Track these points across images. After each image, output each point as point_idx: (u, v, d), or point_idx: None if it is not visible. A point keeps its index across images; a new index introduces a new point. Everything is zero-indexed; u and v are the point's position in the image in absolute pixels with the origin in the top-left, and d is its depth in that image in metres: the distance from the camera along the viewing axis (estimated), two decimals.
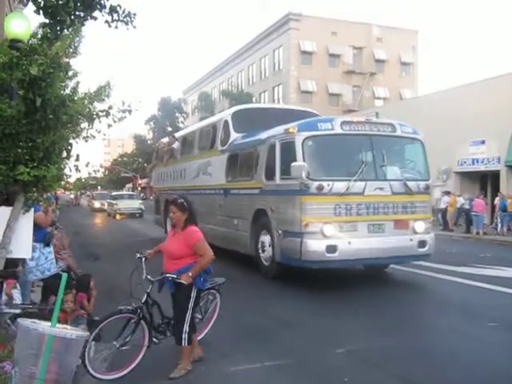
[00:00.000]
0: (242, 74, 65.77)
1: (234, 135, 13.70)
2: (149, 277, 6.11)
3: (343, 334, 7.75)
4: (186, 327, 5.91)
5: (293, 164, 10.27)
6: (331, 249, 10.24)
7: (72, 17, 9.01)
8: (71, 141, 12.43)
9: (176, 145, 17.78)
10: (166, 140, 19.94)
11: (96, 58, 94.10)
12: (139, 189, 71.41)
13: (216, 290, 6.98)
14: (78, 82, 14.68)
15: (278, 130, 11.51)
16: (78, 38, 11.86)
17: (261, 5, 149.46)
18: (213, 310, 7.07)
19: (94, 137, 15.61)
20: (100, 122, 12.72)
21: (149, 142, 69.35)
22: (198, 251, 6.12)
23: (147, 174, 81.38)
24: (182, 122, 67.56)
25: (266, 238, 11.76)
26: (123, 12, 9.48)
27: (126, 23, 9.21)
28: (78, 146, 20.18)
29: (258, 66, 62.62)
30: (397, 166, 11.38)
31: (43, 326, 4.59)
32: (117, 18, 9.33)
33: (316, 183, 10.27)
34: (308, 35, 56.00)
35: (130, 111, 14.48)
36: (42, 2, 8.24)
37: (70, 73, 12.10)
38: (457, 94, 29.70)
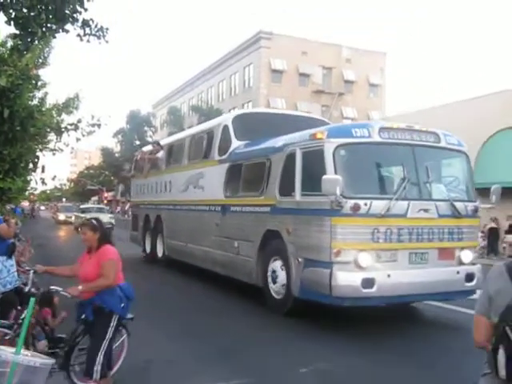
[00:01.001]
0: (212, 89, 63.96)
1: (236, 143, 11.28)
2: (33, 290, 5.71)
3: None
4: (101, 358, 5.03)
5: (325, 177, 7.93)
6: (368, 283, 7.90)
7: (43, 29, 8.73)
8: (38, 153, 12.61)
9: (160, 154, 15.26)
10: (148, 148, 17.41)
11: (66, 69, 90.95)
12: (105, 202, 68.24)
13: (122, 326, 5.70)
14: (46, 93, 13.97)
15: (300, 135, 9.16)
16: (47, 49, 11.59)
17: (232, 22, 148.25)
18: (120, 348, 5.96)
19: (61, 150, 13.94)
20: (69, 135, 13.28)
21: (116, 155, 66.43)
22: (103, 270, 5.17)
23: (114, 187, 78.71)
24: (151, 136, 65.15)
25: (278, 266, 9.36)
26: (96, 26, 9.40)
27: (99, 37, 9.26)
28: (44, 158, 18.22)
29: (228, 83, 60.84)
30: (441, 183, 9.14)
31: (6, 352, 4.36)
32: (89, 32, 9.32)
33: (351, 202, 7.94)
34: (279, 54, 54.33)
35: (99, 125, 13.16)
36: (14, 13, 8.12)
37: (39, 83, 11.99)
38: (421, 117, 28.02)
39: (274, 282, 9.44)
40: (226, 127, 11.59)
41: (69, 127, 19.68)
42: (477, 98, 27.00)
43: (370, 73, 57.77)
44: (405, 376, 6.47)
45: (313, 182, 8.82)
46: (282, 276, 9.27)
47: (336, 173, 8.09)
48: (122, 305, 5.23)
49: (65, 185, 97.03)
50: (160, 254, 15.15)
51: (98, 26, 9.39)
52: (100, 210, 36.85)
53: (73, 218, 40.05)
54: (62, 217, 47.27)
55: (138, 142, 62.58)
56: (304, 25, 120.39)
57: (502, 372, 2.66)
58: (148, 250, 16.18)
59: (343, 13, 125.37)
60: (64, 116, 21.95)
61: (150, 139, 64.34)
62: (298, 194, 8.82)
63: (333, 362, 6.85)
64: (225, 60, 60.65)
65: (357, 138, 8.39)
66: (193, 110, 59.35)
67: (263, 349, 7.46)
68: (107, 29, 9.50)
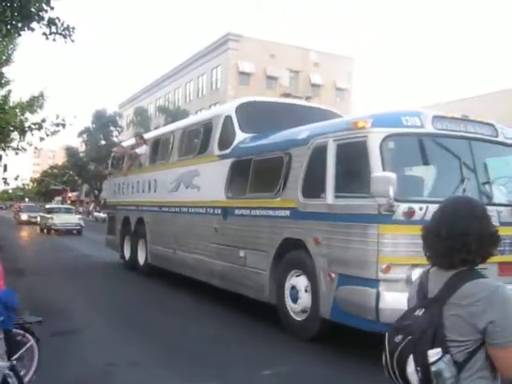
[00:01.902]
0: (180, 90, 62.28)
1: (241, 136, 9.36)
2: None
3: None
4: None
5: (376, 175, 6.12)
6: None
7: (8, 26, 8.68)
8: (0, 152, 12.39)
9: (143, 149, 13.19)
10: (128, 143, 15.32)
11: (31, 67, 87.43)
12: (69, 202, 65.25)
13: (25, 330, 4.87)
14: (9, 91, 13.55)
15: (333, 124, 7.35)
16: (12, 46, 12.28)
17: (200, 23, 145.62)
18: (29, 358, 4.96)
19: (25, 149, 13.42)
20: (32, 134, 12.95)
21: (81, 154, 63.62)
22: None
23: (78, 188, 75.52)
24: (117, 136, 62.84)
25: (300, 282, 7.52)
26: (62, 25, 9.07)
27: (65, 36, 9.16)
28: (6, 157, 16.80)
29: (195, 84, 59.33)
30: (499, 183, 7.45)
31: None
32: (55, 31, 9.08)
33: (405, 206, 6.15)
34: (246, 56, 53.03)
35: (63, 125, 12.81)
36: None
37: (2, 81, 12.34)
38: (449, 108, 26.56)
39: (294, 300, 7.59)
40: (228, 118, 9.66)
41: (33, 126, 17.93)
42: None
43: (338, 77, 56.76)
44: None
45: (351, 180, 7.06)
46: (305, 294, 7.44)
47: (384, 169, 6.32)
48: (1, 318, 4.32)
49: (28, 184, 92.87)
50: (141, 261, 13.09)
51: (65, 25, 9.17)
52: (68, 211, 34.03)
53: (38, 218, 37.24)
54: (24, 217, 44.51)
55: (103, 142, 60.51)
56: (272, 28, 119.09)
57: None
58: (127, 256, 14.07)
59: (312, 17, 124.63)
60: (28, 115, 20.23)
61: (115, 139, 62.25)
62: (330, 196, 6.98)
63: (296, 365, 6.54)
64: (192, 61, 58.96)
65: (408, 127, 6.61)
66: (160, 111, 57.54)
67: (227, 351, 7.05)
68: (73, 28, 9.27)
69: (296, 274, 7.65)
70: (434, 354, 1.99)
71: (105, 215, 58.04)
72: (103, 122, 60.60)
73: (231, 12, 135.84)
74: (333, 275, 6.87)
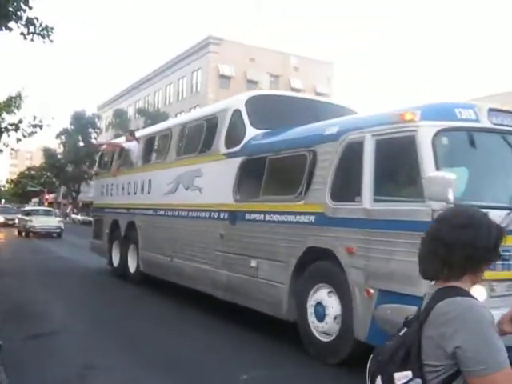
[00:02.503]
0: (159, 93, 61.03)
1: (252, 132, 8.22)
2: None
3: None
4: None
5: (430, 176, 5.08)
6: None
7: None
8: None
9: (134, 146, 11.96)
10: (118, 140, 14.07)
11: (9, 67, 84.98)
12: (46, 204, 63.26)
13: None
14: None
15: (372, 117, 6.27)
16: None
17: (181, 26, 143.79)
18: None
19: (1, 151, 13.02)
20: (9, 135, 12.95)
21: (59, 156, 61.80)
22: None
23: (55, 189, 73.34)
24: (95, 138, 61.34)
25: (327, 298, 6.43)
26: (40, 25, 9.29)
27: (43, 37, 9.38)
28: None
29: (175, 87, 58.15)
30: None
31: None
32: (33, 31, 9.40)
33: None
34: (227, 60, 52.07)
35: (41, 126, 12.76)
36: None
37: None
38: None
39: (320, 318, 6.48)
40: (236, 112, 8.52)
41: (9, 127, 17.05)
42: None
43: (317, 82, 55.84)
44: None
45: (394, 181, 6.03)
46: (333, 311, 6.34)
47: (437, 168, 5.29)
48: None
49: (4, 186, 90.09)
50: (132, 268, 11.85)
51: (43, 25, 9.05)
52: (47, 213, 32.23)
53: (16, 220, 35.45)
54: (0, 219, 42.58)
55: (81, 144, 59.02)
56: (253, 32, 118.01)
57: None
58: (116, 263, 12.81)
59: (293, 22, 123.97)
60: (4, 115, 19.26)
61: (94, 141, 60.84)
62: (367, 199, 5.91)
63: (273, 369, 6.30)
64: (173, 64, 57.75)
65: (462, 121, 5.58)
66: (139, 113, 55.98)
67: (206, 356, 6.73)
68: (52, 28, 9.09)
69: (322, 288, 6.56)
70: (401, 376, 1.80)
71: (83, 217, 57.16)
72: (82, 124, 59.18)
73: (212, 15, 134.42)
74: (371, 291, 5.79)
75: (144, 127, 54.41)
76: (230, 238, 8.26)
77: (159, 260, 10.44)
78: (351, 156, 6.23)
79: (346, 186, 6.35)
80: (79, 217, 57.99)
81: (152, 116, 51.86)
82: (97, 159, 15.07)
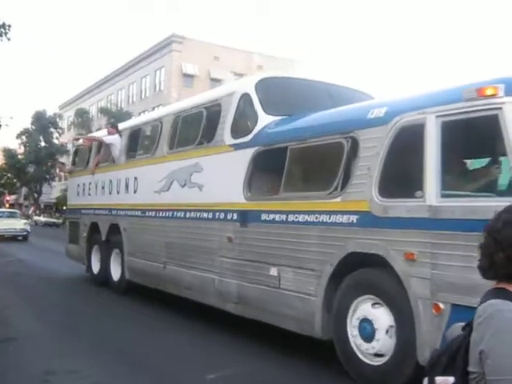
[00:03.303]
0: (122, 92, 58.91)
1: (266, 119, 6.88)
2: None
3: None
4: None
5: None
6: None
7: None
8: None
9: (115, 140, 10.45)
10: (98, 134, 12.51)
11: None
12: (7, 206, 60.32)
13: None
14: None
15: (432, 94, 5.05)
16: None
17: (144, 24, 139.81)
18: None
19: None
20: None
21: (20, 156, 58.92)
22: None
23: (17, 191, 70.01)
24: (57, 138, 58.99)
25: (377, 313, 5.18)
26: None
27: (0, 35, 7.19)
28: None
29: (138, 86, 56.09)
30: None
31: None
32: None
33: None
34: (190, 58, 50.51)
35: None
36: None
37: None
38: None
39: (367, 337, 5.24)
40: (245, 97, 7.16)
41: None
42: None
43: None
44: None
45: (467, 172, 4.80)
46: (385, 330, 5.12)
47: None
48: None
49: None
50: (116, 276, 10.35)
51: (0, 23, 8.99)
52: (12, 215, 29.80)
53: None
54: None
55: (43, 144, 56.59)
56: (216, 30, 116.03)
57: None
58: (96, 269, 11.26)
59: (256, 20, 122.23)
60: None
61: (56, 141, 58.60)
62: (432, 194, 4.69)
63: (241, 367, 6.06)
64: (136, 62, 55.51)
65: None
66: (101, 113, 53.86)
67: (174, 357, 6.39)
68: (9, 26, 9.03)
69: (368, 301, 5.32)
70: (441, 381, 1.72)
71: (45, 219, 54.64)
72: (43, 124, 56.53)
73: (175, 14, 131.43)
74: (441, 306, 4.58)
75: (107, 125, 52.79)
76: (240, 241, 6.93)
77: (150, 267, 9.01)
78: (407, 142, 5.00)
79: (400, 178, 5.13)
80: (41, 218, 55.49)
81: (115, 115, 49.98)
82: (71, 156, 13.41)
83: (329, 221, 5.68)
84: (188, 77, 51.70)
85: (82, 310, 8.94)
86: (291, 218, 6.16)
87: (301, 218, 6.02)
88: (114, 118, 49.41)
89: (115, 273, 10.34)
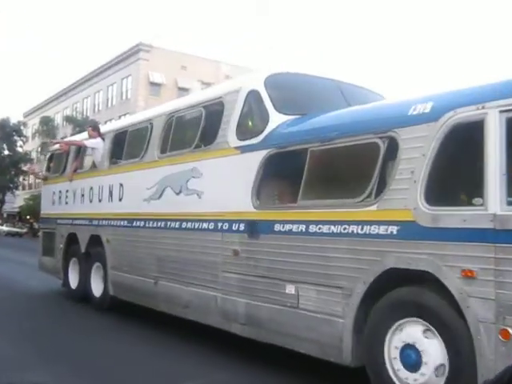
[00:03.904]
0: (88, 100, 57.51)
1: (277, 118, 6.03)
2: None
3: None
4: None
5: None
6: None
7: None
8: None
9: (97, 144, 9.43)
10: (77, 137, 11.44)
11: None
12: None
13: None
14: None
15: (492, 87, 4.31)
16: None
17: (111, 32, 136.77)
18: None
19: None
20: None
21: None
22: None
23: None
24: (21, 146, 57.10)
25: (424, 339, 4.40)
26: None
27: None
28: None
29: (105, 94, 54.84)
30: None
31: None
32: None
33: None
34: (157, 67, 49.57)
35: None
36: None
37: None
38: None
39: (412, 366, 4.44)
40: (253, 94, 6.31)
41: None
42: None
43: None
44: None
45: None
46: (435, 358, 4.35)
47: None
48: None
49: None
50: (97, 292, 9.30)
51: None
52: None
53: None
54: None
55: (6, 152, 54.66)
56: (184, 39, 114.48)
57: None
58: (74, 284, 10.17)
59: (224, 29, 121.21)
60: None
61: (20, 149, 56.68)
62: (496, 202, 3.95)
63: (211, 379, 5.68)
64: (102, 70, 54.33)
65: None
66: (67, 121, 52.67)
67: (135, 369, 5.91)
68: None
69: (411, 324, 4.53)
70: None
71: (8, 229, 52.44)
72: (6, 132, 54.59)
73: (143, 23, 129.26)
74: (510, 332, 3.85)
75: (72, 135, 51.30)
76: (249, 255, 6.07)
77: (138, 283, 8.04)
78: (462, 141, 4.27)
79: (453, 183, 4.40)
80: (4, 228, 53.42)
81: (80, 124, 49.04)
82: (45, 162, 12.28)
83: (361, 232, 4.89)
84: (155, 85, 50.78)
85: (54, 324, 8.17)
86: (313, 228, 5.34)
87: (325, 228, 5.21)
88: (79, 126, 48.32)
89: (97, 288, 9.30)
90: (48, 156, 12.10)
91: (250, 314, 6.05)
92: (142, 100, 50.95)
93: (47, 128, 53.96)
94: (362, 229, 4.88)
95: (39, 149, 56.37)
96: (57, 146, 11.56)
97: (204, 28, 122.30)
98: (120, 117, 50.52)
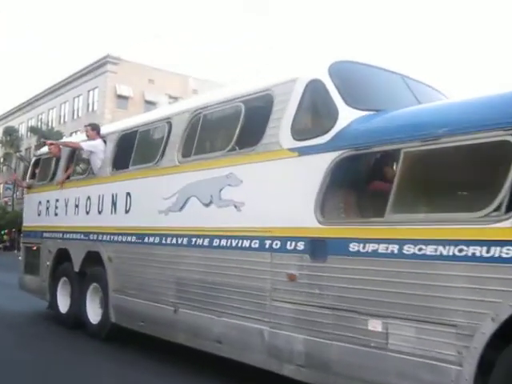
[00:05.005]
0: (54, 111, 55.40)
1: (349, 113, 4.78)
2: None
3: None
4: None
5: None
6: None
7: None
8: None
9: (97, 146, 7.93)
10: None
11: None
12: None
13: None
14: None
15: None
16: None
17: (77, 44, 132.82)
18: None
19: None
20: None
21: None
22: None
23: None
24: None
25: None
26: None
27: None
28: None
29: (70, 105, 52.85)
30: None
31: None
32: None
33: None
34: (125, 80, 48.12)
35: None
36: None
37: None
38: None
39: None
40: (315, 85, 5.05)
41: None
42: None
43: None
44: None
45: None
46: None
47: None
48: None
49: None
50: (95, 318, 7.75)
51: None
52: None
53: None
54: None
55: None
56: (152, 54, 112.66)
57: None
58: (64, 308, 8.58)
59: (192, 44, 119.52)
60: None
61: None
62: None
63: None
64: (69, 82, 52.31)
65: None
66: (31, 132, 50.69)
67: None
68: None
69: None
70: None
71: None
72: None
73: (111, 35, 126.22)
74: None
75: (38, 145, 48.94)
76: (311, 281, 4.78)
77: (150, 309, 6.61)
78: None
79: None
80: None
81: (45, 135, 47.00)
82: (29, 167, 10.65)
83: (486, 255, 3.69)
84: (122, 98, 49.35)
85: (47, 361, 6.57)
86: (410, 249, 4.11)
87: (430, 250, 3.98)
88: (44, 137, 46.34)
89: (94, 314, 7.78)
90: (33, 161, 10.46)
91: (311, 353, 4.75)
92: (108, 113, 49.59)
93: (11, 138, 51.67)
94: (488, 251, 3.68)
95: (2, 159, 53.72)
96: (44, 149, 9.95)
97: (204, 28, 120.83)
98: None
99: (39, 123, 53.67)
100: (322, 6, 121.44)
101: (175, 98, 52.90)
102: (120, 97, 48.97)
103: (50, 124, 53.54)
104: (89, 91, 51.42)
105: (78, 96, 52.69)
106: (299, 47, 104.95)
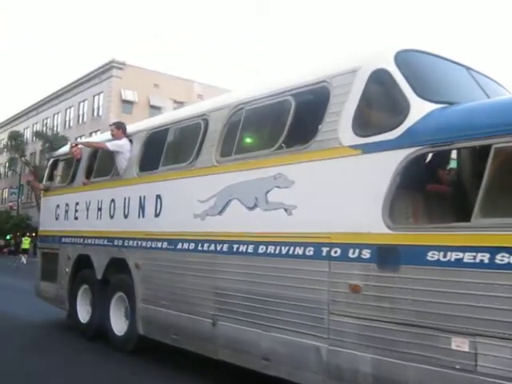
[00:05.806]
0: (59, 116, 54.90)
1: (422, 106, 4.20)
2: None
3: None
4: None
5: None
6: None
7: None
8: None
9: (123, 146, 7.39)
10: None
11: None
12: None
13: None
14: None
15: None
16: None
17: (83, 48, 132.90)
18: None
19: None
20: None
21: None
22: None
23: None
24: None
25: None
26: None
27: None
28: None
29: (76, 110, 52.09)
30: None
31: None
32: None
33: None
34: (130, 85, 47.80)
35: None
36: None
37: None
38: None
39: None
40: (381, 75, 4.49)
41: None
42: None
43: None
44: None
45: None
46: None
47: None
48: None
49: None
50: (120, 329, 7.16)
51: None
52: None
53: None
54: None
55: None
56: (157, 58, 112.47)
57: None
58: (84, 318, 8.00)
59: (192, 44, 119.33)
60: None
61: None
62: None
63: None
64: (74, 87, 51.76)
65: None
66: (37, 136, 50.05)
67: None
68: None
69: None
70: None
71: None
72: None
73: (116, 40, 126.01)
74: None
75: (42, 151, 48.34)
76: (379, 293, 4.21)
77: (184, 321, 6.03)
78: None
79: None
80: None
81: (50, 139, 46.53)
82: (47, 169, 10.06)
83: None
84: (127, 103, 48.84)
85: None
86: (504, 258, 3.54)
87: None
88: (49, 142, 46.16)
89: (118, 325, 7.18)
90: (51, 162, 9.89)
91: (381, 375, 4.18)
92: (113, 117, 48.97)
93: (16, 143, 50.53)
94: None
95: (7, 164, 53.19)
96: (64, 149, 9.36)
97: (203, 28, 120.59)
98: (91, 134, 48.09)
99: (44, 128, 53.22)
100: (321, 6, 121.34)
101: (180, 103, 52.48)
102: (125, 101, 48.62)
103: (55, 129, 53.18)
104: (94, 96, 50.85)
105: (84, 101, 52.28)
106: (299, 47, 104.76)
